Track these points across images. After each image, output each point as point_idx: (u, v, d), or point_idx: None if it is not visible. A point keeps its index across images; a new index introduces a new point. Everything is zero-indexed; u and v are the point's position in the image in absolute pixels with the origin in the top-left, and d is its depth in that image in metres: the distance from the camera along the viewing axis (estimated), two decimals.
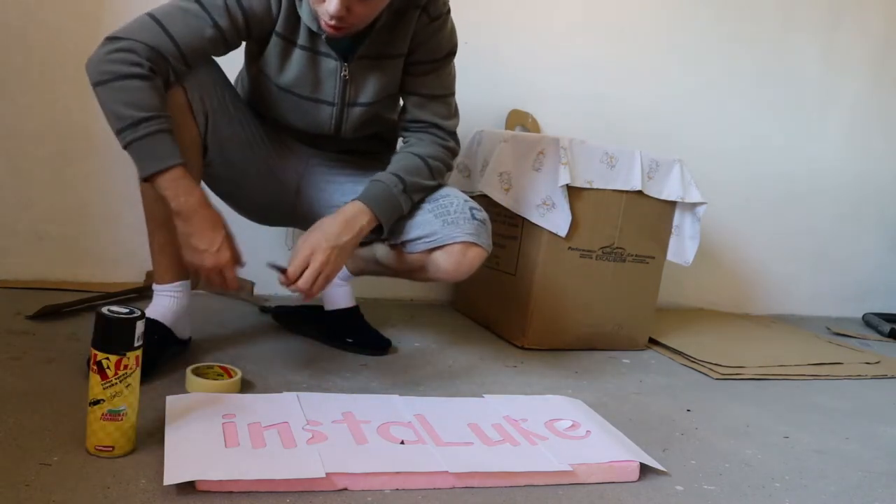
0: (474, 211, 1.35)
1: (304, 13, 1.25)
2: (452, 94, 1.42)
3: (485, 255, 1.35)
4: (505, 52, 2.17)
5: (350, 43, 1.29)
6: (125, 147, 1.13)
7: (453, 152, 1.43)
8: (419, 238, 1.34)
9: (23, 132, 1.70)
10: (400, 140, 1.46)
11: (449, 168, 1.42)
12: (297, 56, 1.29)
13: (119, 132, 1.12)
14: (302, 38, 1.28)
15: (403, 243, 1.37)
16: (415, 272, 1.42)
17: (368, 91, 1.35)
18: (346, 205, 1.28)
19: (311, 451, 1.00)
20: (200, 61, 1.24)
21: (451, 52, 1.39)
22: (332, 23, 1.16)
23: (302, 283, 1.20)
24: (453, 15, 1.40)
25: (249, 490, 0.91)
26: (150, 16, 1.17)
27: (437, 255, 1.34)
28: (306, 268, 1.21)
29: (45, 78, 1.69)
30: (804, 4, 2.60)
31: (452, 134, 1.42)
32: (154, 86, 1.14)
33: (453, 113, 1.43)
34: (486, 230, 1.36)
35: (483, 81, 2.14)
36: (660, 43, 2.39)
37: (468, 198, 1.39)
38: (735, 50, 2.51)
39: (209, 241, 1.17)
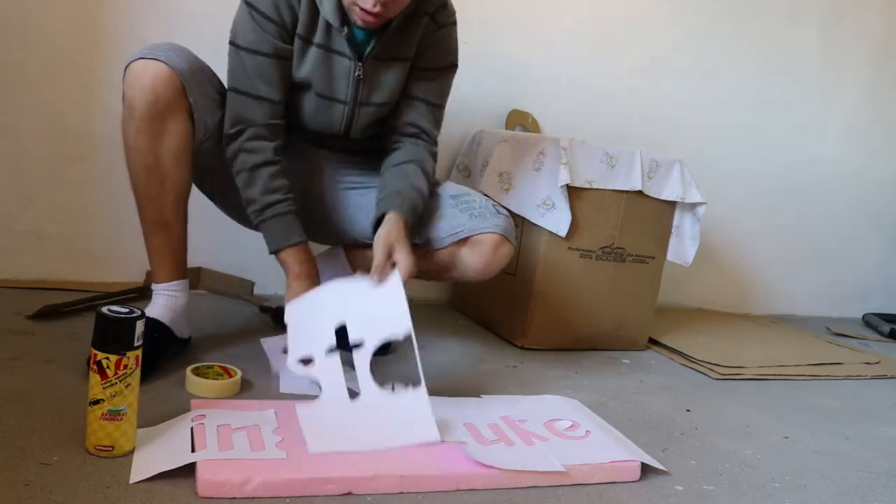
0: (497, 207, 1.42)
1: (325, 7, 1.26)
2: (444, 106, 1.47)
3: (513, 253, 1.42)
4: (505, 51, 2.17)
5: (364, 42, 1.31)
6: (256, 226, 1.32)
7: (436, 161, 1.47)
8: (447, 234, 1.38)
9: (23, 132, 1.70)
10: (394, 143, 1.44)
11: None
12: (313, 54, 1.31)
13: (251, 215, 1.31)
14: (318, 37, 1.30)
15: (430, 240, 1.40)
16: (441, 272, 1.44)
17: (380, 91, 1.38)
18: (389, 214, 1.28)
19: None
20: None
21: (454, 64, 1.44)
22: (376, 10, 1.19)
23: (406, 274, 1.21)
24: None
25: (253, 496, 0.91)
26: (240, 93, 1.28)
27: (465, 253, 1.38)
28: (388, 261, 1.23)
29: (45, 78, 1.69)
30: (804, 4, 2.60)
31: (437, 142, 1.47)
32: (276, 170, 1.29)
33: (440, 124, 1.48)
34: (512, 226, 1.42)
35: (483, 81, 2.14)
36: (660, 43, 2.39)
37: (487, 196, 1.46)
38: (735, 50, 2.51)
39: None
